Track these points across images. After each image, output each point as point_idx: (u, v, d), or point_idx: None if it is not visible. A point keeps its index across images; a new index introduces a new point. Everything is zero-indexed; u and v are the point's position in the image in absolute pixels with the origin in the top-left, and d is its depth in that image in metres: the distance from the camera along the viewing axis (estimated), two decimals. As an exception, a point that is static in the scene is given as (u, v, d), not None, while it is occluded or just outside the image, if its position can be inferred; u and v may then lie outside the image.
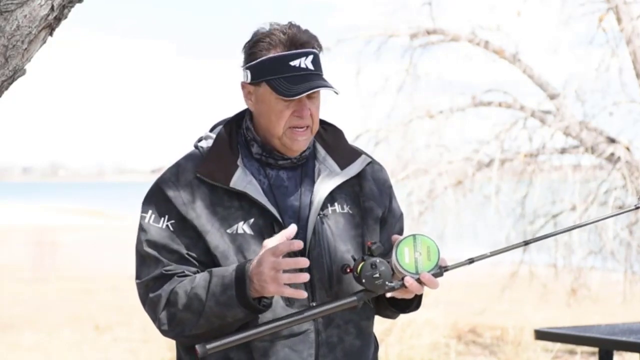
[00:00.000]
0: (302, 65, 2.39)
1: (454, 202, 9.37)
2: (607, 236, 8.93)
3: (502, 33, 9.27)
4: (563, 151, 9.27)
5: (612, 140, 8.86)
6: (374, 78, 9.66)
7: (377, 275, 2.29)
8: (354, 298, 2.31)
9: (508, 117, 9.42)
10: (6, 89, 2.34)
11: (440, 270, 2.33)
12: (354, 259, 2.36)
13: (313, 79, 2.39)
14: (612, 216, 2.51)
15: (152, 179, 2.52)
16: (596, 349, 5.12)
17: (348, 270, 2.35)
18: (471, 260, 2.36)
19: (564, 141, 9.25)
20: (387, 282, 2.30)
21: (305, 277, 2.28)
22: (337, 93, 2.42)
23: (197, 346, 2.29)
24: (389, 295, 2.36)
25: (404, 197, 9.19)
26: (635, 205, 2.50)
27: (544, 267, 10.08)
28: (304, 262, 2.28)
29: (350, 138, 2.59)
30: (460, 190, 9.43)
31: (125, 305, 12.29)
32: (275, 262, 2.25)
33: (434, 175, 9.27)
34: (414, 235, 2.32)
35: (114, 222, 39.09)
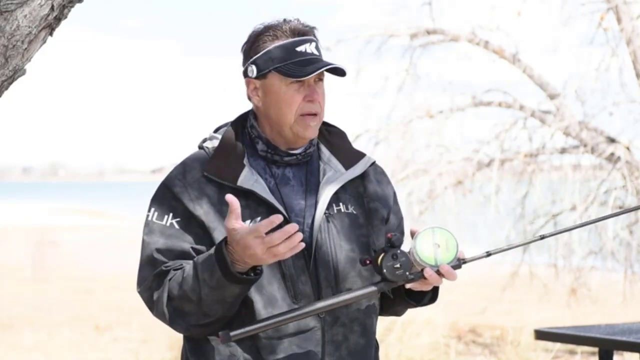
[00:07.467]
0: (308, 51, 2.44)
1: (454, 202, 9.37)
2: (607, 236, 8.93)
3: (502, 33, 9.26)
4: (563, 151, 9.26)
5: (612, 140, 8.85)
6: (374, 78, 9.66)
7: (398, 265, 2.33)
8: (375, 288, 2.35)
9: (508, 117, 9.42)
10: (6, 89, 2.35)
11: (458, 262, 2.37)
12: (374, 252, 2.38)
13: (319, 62, 2.44)
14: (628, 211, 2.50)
15: (152, 179, 2.52)
16: (596, 349, 5.12)
17: (367, 262, 2.37)
18: (488, 254, 2.41)
19: (564, 141, 9.25)
20: (407, 273, 2.34)
21: (299, 236, 2.22)
22: (344, 74, 2.46)
23: (220, 333, 2.28)
24: (407, 286, 2.40)
25: (404, 197, 9.18)
26: None
27: (544, 267, 10.07)
28: (282, 221, 2.22)
29: (350, 138, 2.60)
30: (460, 190, 9.43)
31: (125, 305, 12.29)
32: (266, 241, 2.20)
33: (434, 175, 9.26)
34: (432, 228, 2.36)
35: (114, 222, 39.09)
